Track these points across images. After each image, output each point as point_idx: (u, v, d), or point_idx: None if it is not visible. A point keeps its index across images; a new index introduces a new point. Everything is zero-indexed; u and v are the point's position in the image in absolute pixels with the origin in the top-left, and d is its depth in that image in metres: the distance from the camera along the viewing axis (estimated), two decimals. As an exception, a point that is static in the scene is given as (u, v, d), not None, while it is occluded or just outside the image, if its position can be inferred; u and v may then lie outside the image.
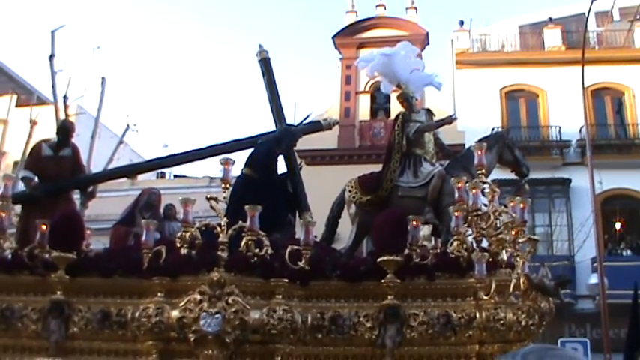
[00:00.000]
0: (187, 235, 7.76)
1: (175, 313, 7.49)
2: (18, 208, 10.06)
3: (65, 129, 10.89)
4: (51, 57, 24.15)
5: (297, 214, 10.18)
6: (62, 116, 23.42)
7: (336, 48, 28.15)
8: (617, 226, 24.82)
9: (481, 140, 9.77)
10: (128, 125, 26.83)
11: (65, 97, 24.05)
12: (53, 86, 23.97)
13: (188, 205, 7.93)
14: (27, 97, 31.78)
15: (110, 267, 8.20)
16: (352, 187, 10.45)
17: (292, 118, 16.87)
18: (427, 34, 27.38)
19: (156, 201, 11.41)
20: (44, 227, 8.24)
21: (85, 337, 7.97)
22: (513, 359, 1.42)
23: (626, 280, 20.95)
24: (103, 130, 26.41)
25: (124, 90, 68.02)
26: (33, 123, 24.88)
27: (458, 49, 27.63)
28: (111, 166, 23.28)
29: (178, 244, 7.84)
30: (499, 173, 11.12)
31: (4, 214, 8.69)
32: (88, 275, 8.21)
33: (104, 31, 67.08)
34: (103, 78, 25.64)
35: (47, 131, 22.80)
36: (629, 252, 24.60)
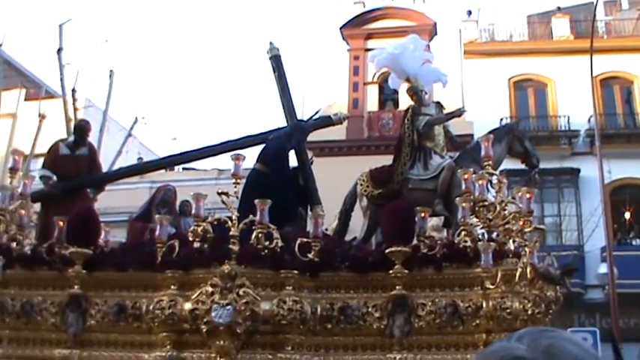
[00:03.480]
0: (199, 229, 7.89)
1: (188, 306, 7.63)
2: (37, 205, 10.26)
3: (81, 128, 11.14)
4: (59, 50, 24.21)
5: (308, 208, 10.28)
6: (71, 110, 23.52)
7: (343, 39, 28.09)
8: (627, 215, 24.71)
9: (491, 132, 9.86)
10: (137, 118, 26.83)
11: (74, 91, 24.12)
12: (61, 80, 24.05)
13: (200, 199, 8.07)
14: (35, 90, 31.80)
15: (125, 261, 8.36)
16: (364, 180, 10.57)
17: (300, 110, 16.95)
18: (435, 24, 27.31)
19: (172, 197, 11.59)
20: (62, 224, 8.42)
21: (102, 330, 8.14)
22: (508, 342, 1.44)
23: (635, 270, 21.03)
24: (112, 123, 26.43)
25: (133, 83, 68.08)
26: (42, 117, 24.92)
27: (466, 39, 27.54)
28: (119, 159, 23.39)
29: (191, 238, 7.96)
30: (508, 163, 11.18)
31: (23, 212, 8.89)
32: (104, 270, 8.38)
33: (112, 24, 67.11)
34: (111, 71, 25.69)
35: (56, 125, 22.95)
36: (638, 241, 24.56)
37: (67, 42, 25.03)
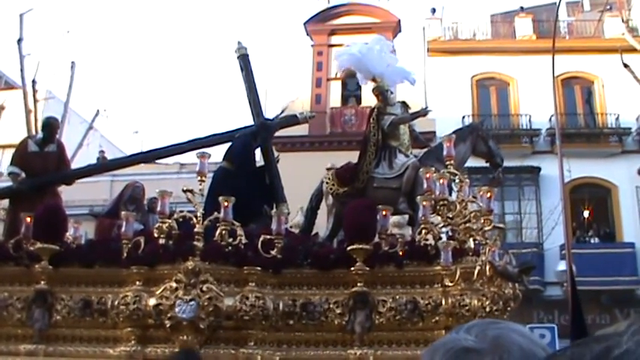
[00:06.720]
0: (165, 225, 7.94)
1: (152, 301, 7.71)
2: (5, 202, 10.26)
3: (50, 125, 11.16)
4: (19, 40, 23.99)
5: (274, 206, 10.34)
6: (31, 101, 23.33)
7: (307, 34, 28.08)
8: (586, 214, 25.08)
9: (455, 132, 9.99)
10: (98, 110, 26.60)
11: (34, 82, 23.92)
12: (21, 70, 23.83)
13: (165, 196, 8.12)
14: (-6, 81, 31.53)
15: (91, 257, 8.40)
16: (329, 178, 10.67)
17: (263, 105, 16.93)
18: (399, 21, 27.39)
19: (140, 194, 11.61)
20: (29, 220, 8.43)
21: (68, 325, 8.21)
22: (457, 334, 1.45)
23: (593, 268, 21.35)
24: (73, 115, 26.21)
25: (95, 75, 67.43)
26: (1, 107, 24.72)
27: (429, 37, 27.67)
28: (80, 152, 23.24)
29: (156, 235, 8.02)
30: (470, 161, 11.30)
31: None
32: (70, 266, 8.42)
33: (74, 15, 66.35)
34: (72, 62, 25.49)
35: (15, 116, 22.75)
36: (596, 240, 24.88)
37: (28, 32, 24.87)
